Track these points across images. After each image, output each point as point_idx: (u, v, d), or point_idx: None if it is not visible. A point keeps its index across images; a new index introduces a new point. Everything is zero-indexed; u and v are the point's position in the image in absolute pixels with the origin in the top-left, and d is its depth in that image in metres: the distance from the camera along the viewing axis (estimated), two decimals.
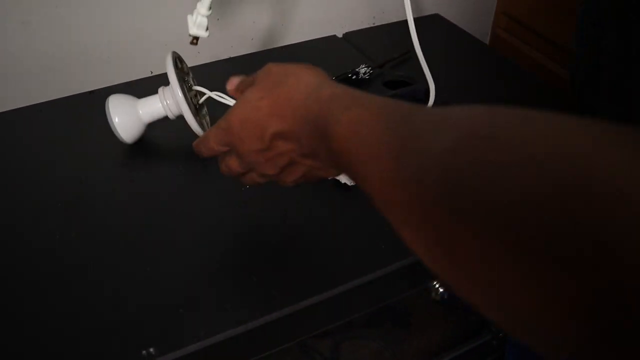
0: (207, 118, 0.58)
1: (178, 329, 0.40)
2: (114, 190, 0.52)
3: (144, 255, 0.46)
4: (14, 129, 0.62)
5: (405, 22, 0.85)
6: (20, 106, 0.65)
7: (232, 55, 0.78)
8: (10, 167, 0.56)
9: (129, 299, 0.42)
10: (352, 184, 0.51)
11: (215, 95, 0.55)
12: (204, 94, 0.56)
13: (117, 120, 0.53)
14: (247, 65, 0.73)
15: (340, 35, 0.82)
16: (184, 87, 0.52)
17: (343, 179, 0.51)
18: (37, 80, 0.73)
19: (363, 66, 0.68)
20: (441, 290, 0.55)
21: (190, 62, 0.80)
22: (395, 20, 0.86)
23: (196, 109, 0.54)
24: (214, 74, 0.71)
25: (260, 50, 0.77)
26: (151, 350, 0.38)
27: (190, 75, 0.57)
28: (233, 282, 0.43)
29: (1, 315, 0.41)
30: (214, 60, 0.75)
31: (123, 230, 0.48)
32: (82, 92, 0.67)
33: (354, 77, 0.68)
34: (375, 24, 0.90)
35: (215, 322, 0.40)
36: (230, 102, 0.56)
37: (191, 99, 0.54)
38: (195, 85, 0.57)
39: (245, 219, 0.49)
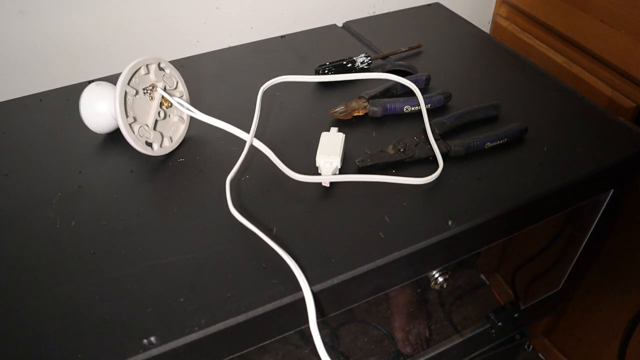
0: (183, 127, 0.57)
1: (179, 317, 0.40)
2: (114, 180, 0.53)
3: (144, 244, 0.46)
4: (14, 118, 0.61)
5: (406, 11, 0.85)
6: (20, 95, 0.65)
7: (231, 44, 0.77)
8: (10, 156, 0.56)
9: (129, 287, 0.42)
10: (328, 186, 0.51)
11: (177, 102, 0.55)
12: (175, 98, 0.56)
13: (83, 113, 0.55)
14: (247, 54, 0.73)
15: (340, 25, 0.81)
16: (133, 98, 0.52)
17: (325, 182, 0.51)
18: (37, 70, 0.72)
19: (362, 55, 0.68)
20: (440, 279, 0.55)
21: (189, 51, 0.80)
22: (395, 9, 0.85)
23: (160, 117, 0.55)
24: (213, 63, 0.71)
25: (260, 39, 0.77)
26: (152, 339, 0.38)
27: (176, 79, 0.56)
28: (234, 271, 0.43)
29: (1, 304, 0.41)
30: (212, 49, 0.74)
31: (124, 219, 0.48)
32: (81, 81, 0.67)
33: (349, 64, 0.67)
34: (376, 13, 0.89)
35: (216, 310, 0.40)
36: (195, 111, 0.56)
37: (160, 105, 0.55)
38: (173, 89, 0.56)
39: (244, 208, 0.49)
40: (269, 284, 0.42)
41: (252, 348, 0.44)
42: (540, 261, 0.73)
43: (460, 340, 0.71)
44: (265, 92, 0.62)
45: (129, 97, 0.52)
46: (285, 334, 0.45)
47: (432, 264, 0.52)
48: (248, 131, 0.55)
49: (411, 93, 0.62)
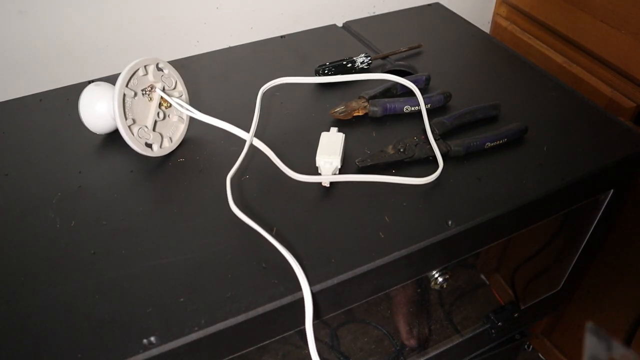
0: (182, 127, 0.57)
1: (179, 317, 0.40)
2: (114, 180, 0.53)
3: (144, 244, 0.46)
4: (14, 118, 0.61)
5: (406, 11, 0.85)
6: (20, 95, 0.65)
7: (231, 44, 0.77)
8: (10, 156, 0.56)
9: (129, 287, 0.42)
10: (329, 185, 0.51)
11: (175, 102, 0.55)
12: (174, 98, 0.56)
13: (83, 114, 0.55)
14: (247, 54, 0.73)
15: (340, 25, 0.81)
16: (134, 99, 0.52)
17: (325, 182, 0.51)
18: (37, 70, 0.72)
19: (362, 55, 0.68)
20: (440, 279, 0.55)
21: (189, 51, 0.80)
22: (395, 9, 0.85)
23: (159, 117, 0.55)
24: (213, 63, 0.71)
25: (260, 39, 0.77)
26: (152, 339, 0.38)
27: (174, 79, 0.56)
28: (234, 271, 0.43)
29: (1, 304, 0.41)
30: (212, 49, 0.74)
31: (124, 219, 0.48)
32: (81, 81, 0.67)
33: (349, 64, 0.67)
34: (376, 13, 0.89)
35: (216, 310, 0.40)
36: (193, 111, 0.56)
37: (159, 105, 0.55)
38: (172, 89, 0.56)
39: (244, 207, 0.49)
40: (269, 284, 0.42)
41: (252, 348, 0.44)
42: (541, 261, 0.73)
43: (460, 340, 0.71)
44: (265, 93, 0.62)
45: (127, 99, 0.52)
46: (285, 334, 0.45)
47: (432, 264, 0.52)
48: (248, 131, 0.55)
49: (411, 93, 0.62)
